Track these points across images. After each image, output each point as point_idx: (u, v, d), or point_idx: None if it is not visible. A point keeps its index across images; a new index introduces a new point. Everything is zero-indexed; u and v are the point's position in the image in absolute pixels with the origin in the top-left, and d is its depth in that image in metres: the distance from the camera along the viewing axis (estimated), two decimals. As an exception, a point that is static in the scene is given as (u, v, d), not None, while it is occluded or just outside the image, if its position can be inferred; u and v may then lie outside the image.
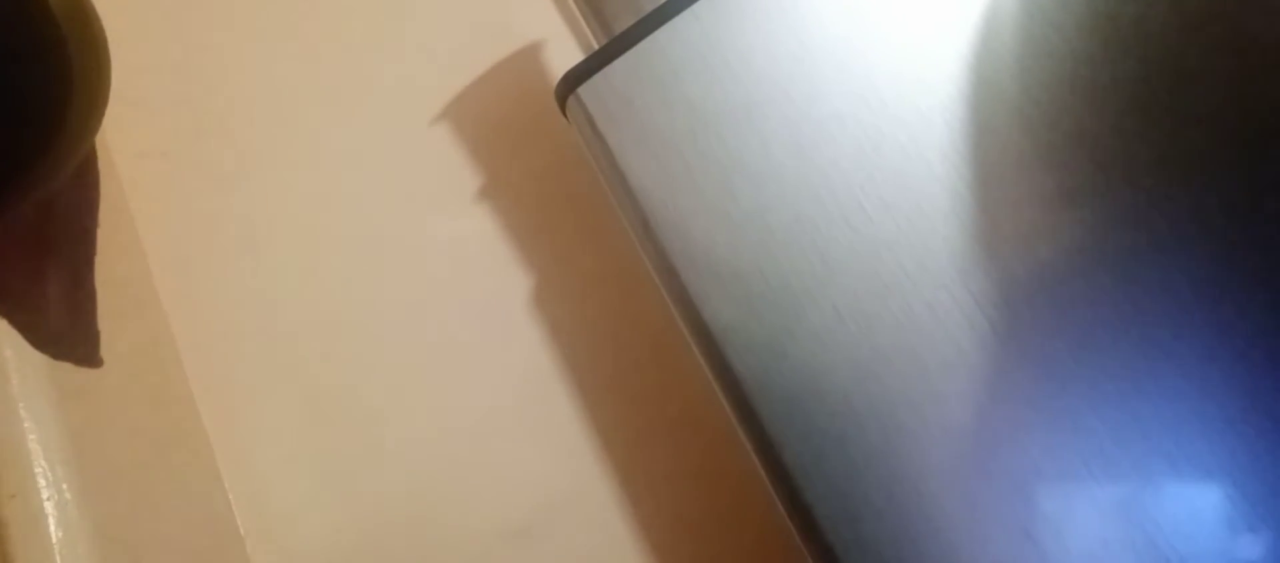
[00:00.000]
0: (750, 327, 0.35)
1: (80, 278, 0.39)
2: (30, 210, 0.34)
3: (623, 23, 0.39)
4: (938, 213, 0.34)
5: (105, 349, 0.46)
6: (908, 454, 0.33)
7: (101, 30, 0.33)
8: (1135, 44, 0.34)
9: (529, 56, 0.58)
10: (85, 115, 0.32)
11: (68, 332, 0.39)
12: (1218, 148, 0.33)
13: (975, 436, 0.33)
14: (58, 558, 0.42)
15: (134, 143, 0.58)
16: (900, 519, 0.33)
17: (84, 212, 0.38)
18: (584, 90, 0.37)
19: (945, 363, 0.33)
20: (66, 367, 0.43)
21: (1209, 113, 0.33)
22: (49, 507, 0.43)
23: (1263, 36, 0.34)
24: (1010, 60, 0.35)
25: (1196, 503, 0.31)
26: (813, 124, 0.36)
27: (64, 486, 0.44)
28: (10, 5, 0.30)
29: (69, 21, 0.30)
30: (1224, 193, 0.33)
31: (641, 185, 0.37)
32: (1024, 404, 0.33)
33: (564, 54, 0.57)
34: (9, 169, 0.31)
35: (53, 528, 0.43)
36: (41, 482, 0.44)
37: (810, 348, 0.34)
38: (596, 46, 0.40)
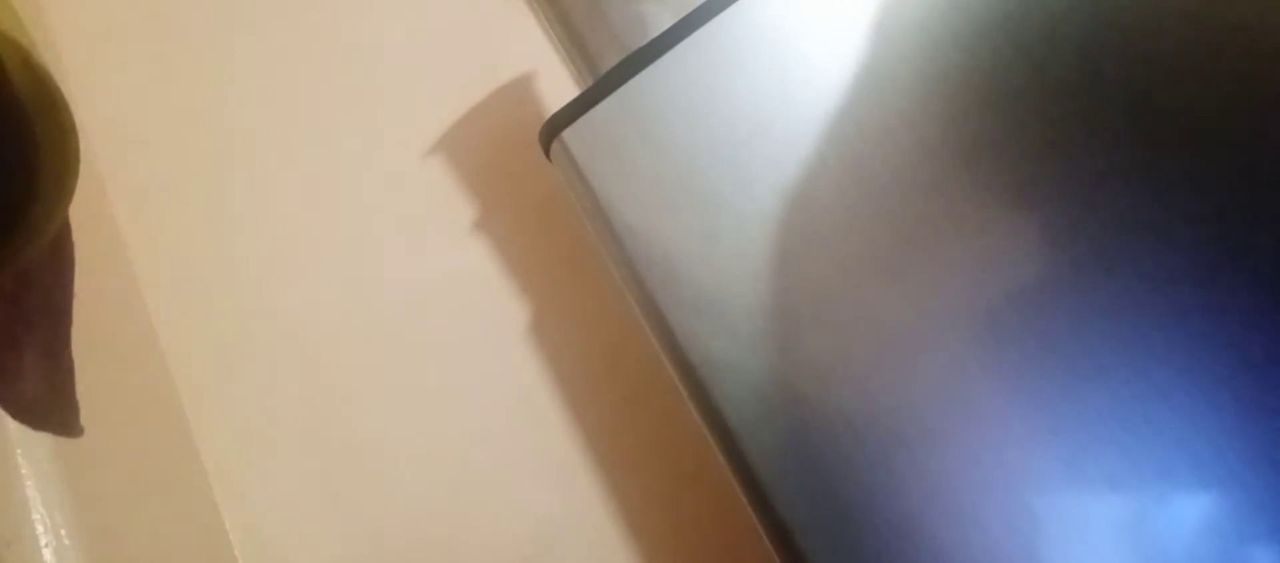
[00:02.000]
0: (737, 366, 0.35)
1: (57, 349, 0.39)
2: (4, 284, 0.34)
3: (608, 60, 0.39)
4: (925, 247, 0.34)
5: (103, 392, 0.46)
6: (903, 497, 0.33)
7: (67, 108, 0.33)
8: (1134, 80, 0.34)
9: (521, 89, 0.58)
10: (55, 192, 0.32)
11: (46, 402, 0.39)
12: (1216, 159, 0.33)
13: (972, 473, 0.32)
14: (56, 606, 0.42)
15: (129, 180, 0.58)
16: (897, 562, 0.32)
17: (58, 285, 0.39)
18: (568, 134, 0.37)
19: (938, 401, 0.33)
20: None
21: (1206, 123, 0.33)
22: (47, 553, 0.43)
23: (1257, 51, 0.33)
24: (997, 91, 0.35)
25: (1201, 525, 0.31)
26: (797, 162, 0.36)
27: (62, 531, 0.44)
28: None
29: (34, 101, 0.30)
30: (1221, 209, 0.32)
31: (626, 226, 0.37)
32: (1022, 437, 0.32)
33: (556, 86, 0.57)
34: (-22, 247, 0.31)
35: (51, 575, 0.43)
36: (40, 528, 0.44)
37: (799, 388, 0.34)
38: (583, 82, 0.41)
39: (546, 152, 0.39)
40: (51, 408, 0.40)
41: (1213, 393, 0.31)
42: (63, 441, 0.45)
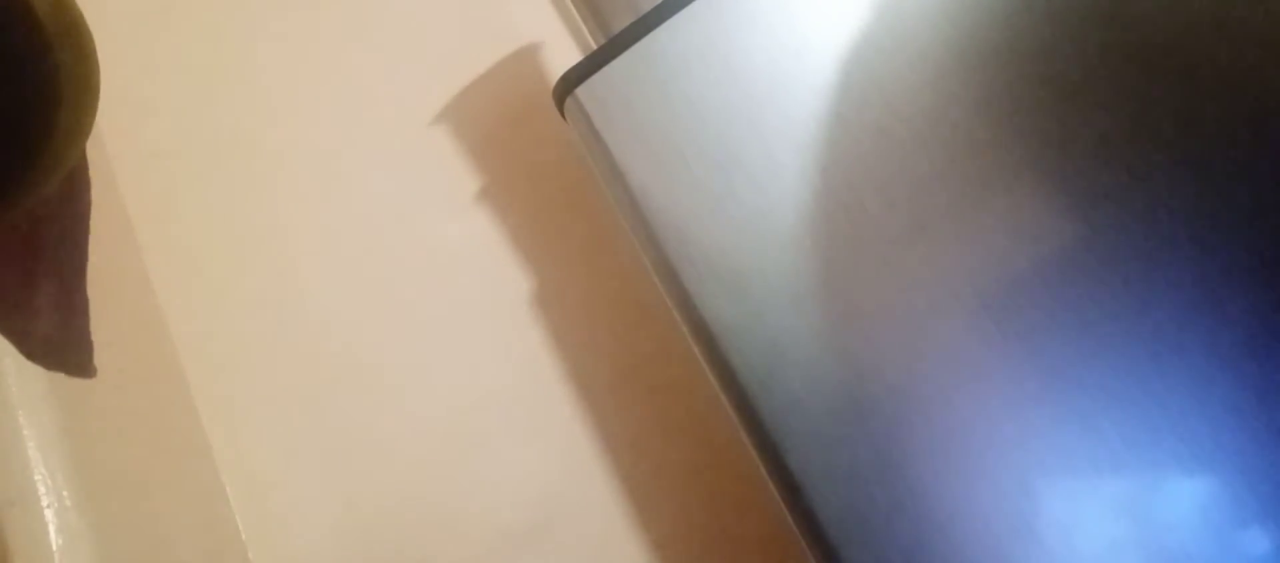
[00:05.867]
0: (751, 327, 0.35)
1: (72, 287, 0.38)
2: (20, 220, 0.34)
3: (621, 22, 0.38)
4: (941, 212, 0.34)
5: (104, 354, 0.46)
6: (912, 456, 0.33)
7: (90, 39, 0.32)
8: (1142, 45, 0.34)
9: (528, 56, 0.57)
10: (73, 125, 0.32)
11: (60, 341, 0.39)
12: (1225, 148, 0.33)
13: (981, 437, 0.32)
14: (58, 566, 0.41)
15: (132, 146, 0.58)
16: (905, 521, 0.32)
17: (75, 221, 0.38)
18: (582, 91, 0.37)
19: (950, 364, 0.33)
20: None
21: (1216, 113, 0.33)
22: (49, 514, 0.43)
23: (1267, 33, 0.33)
24: (1017, 61, 0.35)
25: (1205, 502, 0.31)
26: (814, 122, 0.35)
27: (64, 492, 0.44)
28: (-5, 15, 0.29)
29: (56, 30, 0.30)
30: (1232, 194, 0.32)
31: (640, 186, 0.36)
32: (1030, 405, 0.32)
33: (563, 53, 0.57)
34: (-4, 179, 0.31)
35: (53, 535, 0.42)
36: (41, 489, 0.43)
37: (812, 348, 0.34)
38: (594, 46, 0.40)
39: (560, 108, 0.39)
40: (67, 349, 0.39)
41: (1232, 359, 0.31)
42: (65, 403, 0.45)
